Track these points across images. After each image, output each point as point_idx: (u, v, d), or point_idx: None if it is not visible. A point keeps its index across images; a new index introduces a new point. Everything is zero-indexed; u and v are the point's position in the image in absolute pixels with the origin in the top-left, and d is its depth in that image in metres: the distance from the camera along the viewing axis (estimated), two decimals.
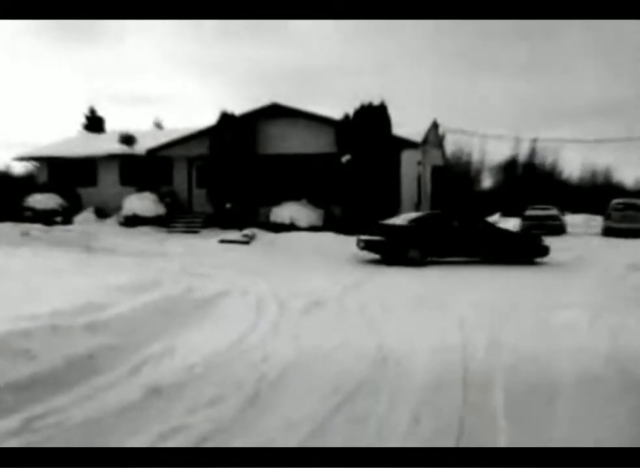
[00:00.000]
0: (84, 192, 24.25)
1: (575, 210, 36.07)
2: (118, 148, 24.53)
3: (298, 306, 8.05)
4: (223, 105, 41.10)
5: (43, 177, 25.78)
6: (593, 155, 78.92)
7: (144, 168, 23.96)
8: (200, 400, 4.50)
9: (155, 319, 6.68)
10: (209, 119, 24.60)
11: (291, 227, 19.81)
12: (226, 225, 21.05)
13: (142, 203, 22.46)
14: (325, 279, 11.08)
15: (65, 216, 22.54)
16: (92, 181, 25.04)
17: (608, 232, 23.27)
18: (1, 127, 64.45)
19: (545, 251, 14.64)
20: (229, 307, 7.91)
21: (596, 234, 24.10)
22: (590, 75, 68.85)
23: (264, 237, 18.31)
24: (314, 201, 20.96)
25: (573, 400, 4.65)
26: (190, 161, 23.24)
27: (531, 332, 6.86)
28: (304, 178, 21.48)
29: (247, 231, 18.60)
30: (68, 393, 4.51)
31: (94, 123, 37.58)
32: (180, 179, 23.65)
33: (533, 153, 48.79)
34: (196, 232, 21.32)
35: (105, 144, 25.45)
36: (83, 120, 39.38)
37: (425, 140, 23.27)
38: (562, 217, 26.50)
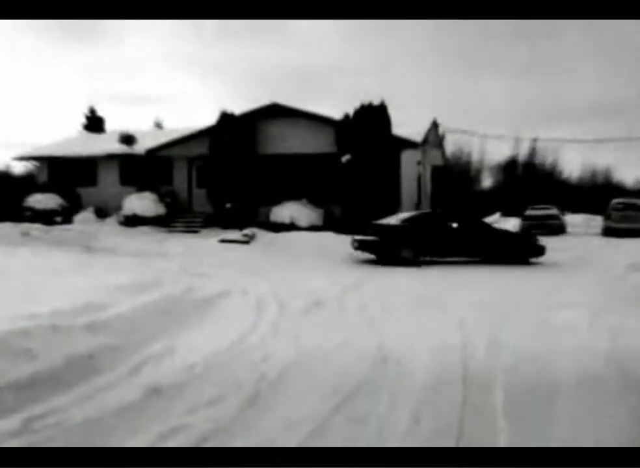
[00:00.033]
0: (84, 192, 24.25)
1: (575, 210, 36.05)
2: (118, 148, 24.53)
3: (298, 306, 8.05)
4: (223, 105, 41.10)
5: (43, 177, 25.78)
6: (593, 155, 79.11)
7: (144, 167, 23.96)
8: (200, 400, 4.50)
9: (155, 319, 6.68)
10: (209, 119, 24.60)
11: (291, 226, 19.81)
12: (226, 224, 21.05)
13: (142, 202, 22.46)
14: (325, 278, 11.08)
15: (65, 215, 22.55)
16: (92, 181, 25.04)
17: (608, 232, 23.26)
18: (1, 127, 64.55)
19: (540, 251, 14.58)
20: (229, 307, 7.91)
21: (596, 234, 24.09)
22: (590, 75, 68.95)
23: (264, 237, 18.31)
24: (314, 201, 20.96)
25: (573, 400, 4.65)
26: (190, 161, 23.24)
27: (531, 332, 6.86)
28: (304, 178, 21.48)
29: (247, 231, 18.60)
30: (68, 393, 4.51)
31: (94, 123, 37.61)
32: (180, 179, 23.65)
33: (533, 152, 48.84)
34: (196, 232, 21.32)
35: (105, 144, 25.45)
36: (83, 120, 39.47)
37: (425, 140, 23.28)
38: (562, 217, 26.51)
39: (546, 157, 49.36)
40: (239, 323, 6.97)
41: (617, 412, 4.38)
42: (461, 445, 3.82)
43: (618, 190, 44.22)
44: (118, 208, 22.99)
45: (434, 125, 26.59)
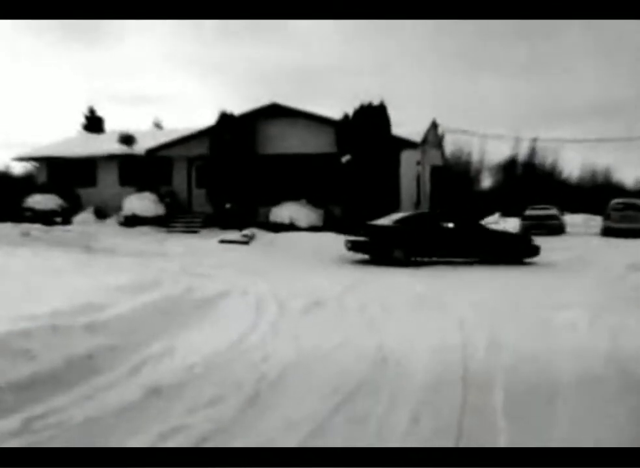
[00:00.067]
0: (84, 192, 24.26)
1: (575, 210, 36.03)
2: (118, 148, 24.53)
3: (297, 306, 8.04)
4: (223, 105, 41.12)
5: (42, 178, 25.78)
6: (593, 154, 79.02)
7: (144, 168, 23.96)
8: (200, 400, 4.49)
9: (154, 319, 6.68)
10: (209, 119, 24.56)
11: (291, 227, 19.80)
12: (225, 225, 21.04)
13: (141, 203, 22.46)
14: (325, 279, 11.08)
15: (64, 216, 22.55)
16: (92, 181, 25.04)
17: (607, 232, 23.27)
18: (1, 127, 64.53)
19: (535, 251, 14.52)
20: (229, 307, 7.91)
21: (596, 234, 24.10)
22: (590, 75, 68.90)
23: (264, 237, 18.31)
24: (314, 201, 20.96)
25: (573, 400, 4.65)
26: (190, 161, 23.24)
27: (531, 332, 6.86)
28: (303, 178, 21.48)
29: (247, 231, 18.60)
30: (68, 393, 4.51)
31: (94, 123, 37.58)
32: (180, 179, 23.65)
33: (532, 152, 48.78)
34: (195, 232, 21.32)
35: (105, 144, 25.45)
36: (83, 120, 39.46)
37: (425, 140, 23.29)
38: (561, 217, 26.53)
39: (546, 157, 49.38)
40: (238, 323, 6.97)
41: (617, 412, 4.38)
42: (461, 445, 3.82)
43: (618, 190, 44.21)
44: (118, 208, 22.98)
45: (434, 125, 26.60)
